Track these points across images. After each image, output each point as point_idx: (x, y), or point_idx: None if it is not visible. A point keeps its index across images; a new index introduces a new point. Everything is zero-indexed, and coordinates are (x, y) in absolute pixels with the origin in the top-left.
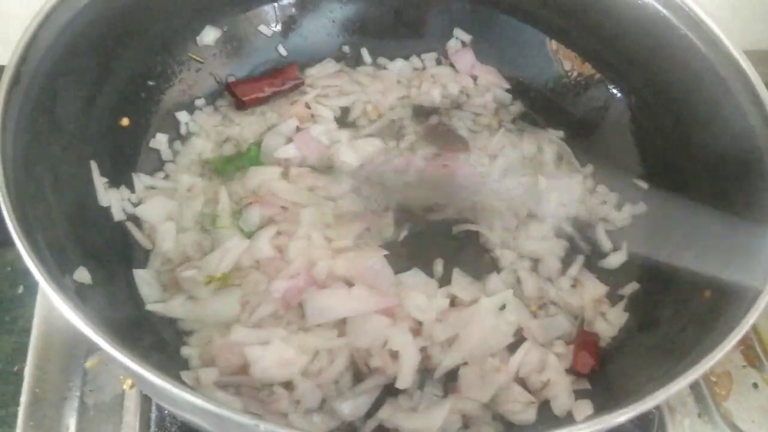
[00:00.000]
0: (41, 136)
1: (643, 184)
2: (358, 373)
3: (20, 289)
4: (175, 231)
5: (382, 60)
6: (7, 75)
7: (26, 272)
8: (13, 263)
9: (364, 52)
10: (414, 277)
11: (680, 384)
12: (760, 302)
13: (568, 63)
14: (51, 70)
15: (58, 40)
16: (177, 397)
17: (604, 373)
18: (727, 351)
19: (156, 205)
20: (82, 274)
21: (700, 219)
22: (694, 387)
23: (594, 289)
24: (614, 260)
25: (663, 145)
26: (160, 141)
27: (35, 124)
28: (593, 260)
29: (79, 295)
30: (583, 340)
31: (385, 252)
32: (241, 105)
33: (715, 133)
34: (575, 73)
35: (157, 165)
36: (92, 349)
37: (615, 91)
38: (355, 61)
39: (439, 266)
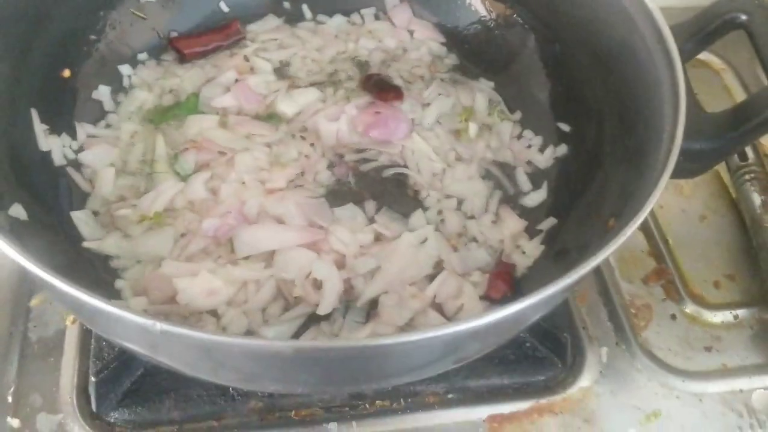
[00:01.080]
0: None
1: (566, 127)
2: (287, 305)
3: None
4: (115, 176)
5: (321, 17)
6: None
7: None
8: None
9: (305, 8)
10: (348, 210)
11: (580, 272)
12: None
13: (495, 11)
14: None
15: None
16: (92, 307)
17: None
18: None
19: (99, 152)
20: (18, 210)
21: (610, 158)
22: (614, 318)
23: (514, 224)
24: (534, 198)
25: (579, 87)
26: (102, 93)
27: None
28: (516, 199)
29: (14, 233)
30: (500, 270)
31: (316, 194)
32: (182, 58)
33: (624, 71)
34: (502, 21)
35: (99, 115)
36: (37, 287)
37: (532, 35)
38: (296, 18)
39: (369, 207)
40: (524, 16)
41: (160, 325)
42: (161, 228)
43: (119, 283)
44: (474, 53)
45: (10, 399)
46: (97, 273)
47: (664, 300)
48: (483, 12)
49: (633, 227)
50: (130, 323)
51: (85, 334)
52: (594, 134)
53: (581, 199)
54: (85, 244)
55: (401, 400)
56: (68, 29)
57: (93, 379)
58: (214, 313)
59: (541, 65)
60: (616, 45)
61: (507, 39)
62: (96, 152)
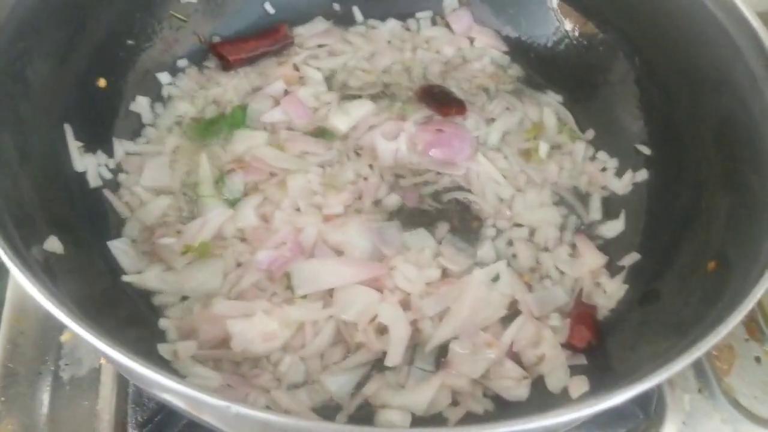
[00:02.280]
0: (7, 98)
1: (646, 150)
2: (347, 349)
3: None
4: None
5: (373, 21)
6: None
7: None
8: None
9: (356, 11)
10: (419, 236)
11: (683, 363)
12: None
13: (569, 22)
14: (19, 27)
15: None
16: (146, 377)
17: (602, 348)
18: (731, 328)
19: (154, 173)
20: (54, 244)
21: (707, 187)
22: (695, 361)
23: (592, 259)
24: (611, 229)
25: (668, 108)
26: (140, 104)
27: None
28: (592, 229)
29: (49, 268)
30: (580, 312)
31: (377, 221)
32: (226, 65)
33: (723, 96)
34: (577, 33)
35: (137, 128)
36: None
37: (619, 51)
38: (346, 21)
39: (440, 231)
40: (608, 30)
41: (236, 409)
42: (209, 260)
43: (163, 323)
44: (541, 63)
45: None
46: (138, 310)
47: (747, 340)
48: (558, 22)
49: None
50: (199, 401)
51: (122, 375)
52: (686, 159)
53: (671, 233)
54: (125, 278)
55: None
56: (104, 34)
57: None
58: (269, 358)
59: (622, 82)
60: (713, 68)
61: (584, 51)
62: (152, 173)
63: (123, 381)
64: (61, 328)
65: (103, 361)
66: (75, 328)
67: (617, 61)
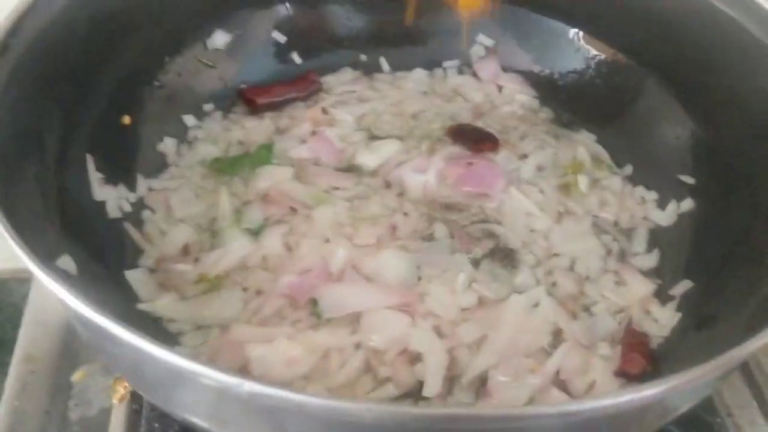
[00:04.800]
0: (33, 124)
1: (689, 180)
2: (376, 380)
3: None
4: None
5: (401, 73)
6: None
7: None
8: None
9: (383, 61)
10: (454, 260)
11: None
12: None
13: (598, 53)
14: (41, 58)
15: (50, 28)
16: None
17: (657, 374)
18: None
19: (181, 200)
20: (67, 262)
21: (760, 209)
22: (760, 398)
23: (639, 287)
24: (656, 259)
25: (713, 136)
26: (167, 144)
27: (27, 110)
28: (635, 260)
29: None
30: (632, 340)
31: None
32: (254, 109)
33: None
34: (607, 65)
35: (159, 166)
36: (80, 361)
37: (653, 81)
38: (374, 70)
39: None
40: (641, 59)
41: (248, 386)
42: (229, 288)
43: (179, 351)
44: (572, 101)
45: None
46: (155, 337)
47: None
48: (586, 55)
49: None
50: (207, 380)
51: (134, 415)
52: (736, 184)
53: (723, 258)
54: (141, 306)
55: None
56: (131, 72)
57: None
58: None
59: (659, 113)
60: (760, 89)
61: (615, 84)
62: (181, 204)
63: (134, 421)
64: (73, 367)
65: (115, 400)
66: (113, 328)
67: (652, 91)
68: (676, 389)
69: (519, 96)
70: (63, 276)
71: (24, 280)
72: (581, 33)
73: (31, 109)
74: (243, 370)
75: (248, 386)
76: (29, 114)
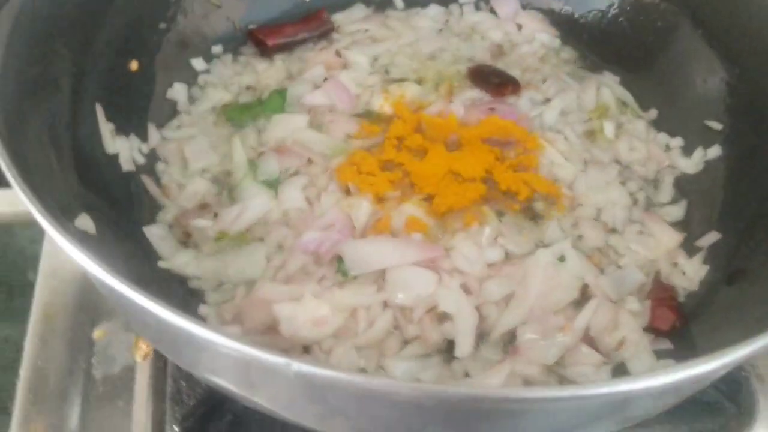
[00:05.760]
0: (41, 74)
1: (717, 125)
2: (404, 337)
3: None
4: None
5: (415, 9)
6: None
7: None
8: None
9: None
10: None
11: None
12: None
13: None
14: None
15: None
16: (198, 338)
17: (687, 330)
18: None
19: (196, 150)
20: (85, 221)
21: None
22: None
23: (667, 238)
24: (683, 208)
25: (742, 79)
26: (178, 91)
27: (34, 60)
28: (662, 209)
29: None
30: (661, 295)
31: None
32: (264, 51)
33: None
34: (633, 5)
35: (170, 114)
36: (100, 317)
37: (681, 23)
38: (387, 7)
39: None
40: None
41: (297, 366)
42: (252, 244)
43: (203, 309)
44: (595, 43)
45: None
46: (177, 297)
47: None
48: None
49: None
50: (255, 361)
51: (159, 372)
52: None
53: (753, 208)
54: (162, 264)
55: None
56: (135, 15)
57: (176, 429)
58: (319, 345)
59: (686, 56)
60: None
61: (641, 26)
62: (196, 155)
63: (160, 378)
64: (93, 324)
65: (138, 358)
66: (129, 293)
67: (679, 34)
68: (725, 366)
69: (539, 35)
70: (80, 237)
71: (29, 223)
72: None
73: (38, 57)
74: (270, 329)
75: (297, 367)
76: (37, 61)
